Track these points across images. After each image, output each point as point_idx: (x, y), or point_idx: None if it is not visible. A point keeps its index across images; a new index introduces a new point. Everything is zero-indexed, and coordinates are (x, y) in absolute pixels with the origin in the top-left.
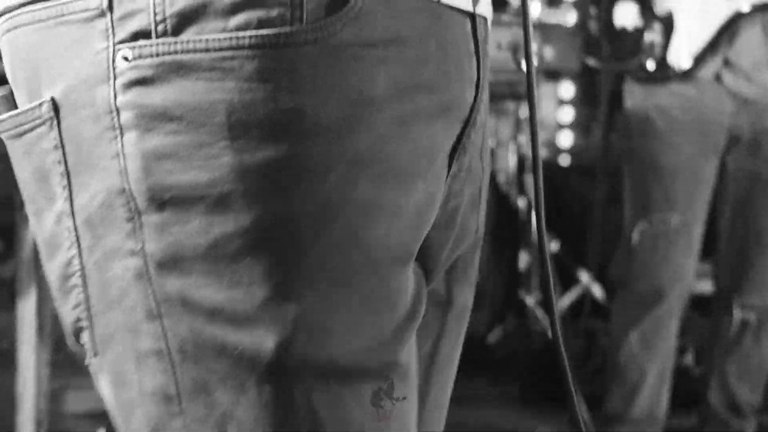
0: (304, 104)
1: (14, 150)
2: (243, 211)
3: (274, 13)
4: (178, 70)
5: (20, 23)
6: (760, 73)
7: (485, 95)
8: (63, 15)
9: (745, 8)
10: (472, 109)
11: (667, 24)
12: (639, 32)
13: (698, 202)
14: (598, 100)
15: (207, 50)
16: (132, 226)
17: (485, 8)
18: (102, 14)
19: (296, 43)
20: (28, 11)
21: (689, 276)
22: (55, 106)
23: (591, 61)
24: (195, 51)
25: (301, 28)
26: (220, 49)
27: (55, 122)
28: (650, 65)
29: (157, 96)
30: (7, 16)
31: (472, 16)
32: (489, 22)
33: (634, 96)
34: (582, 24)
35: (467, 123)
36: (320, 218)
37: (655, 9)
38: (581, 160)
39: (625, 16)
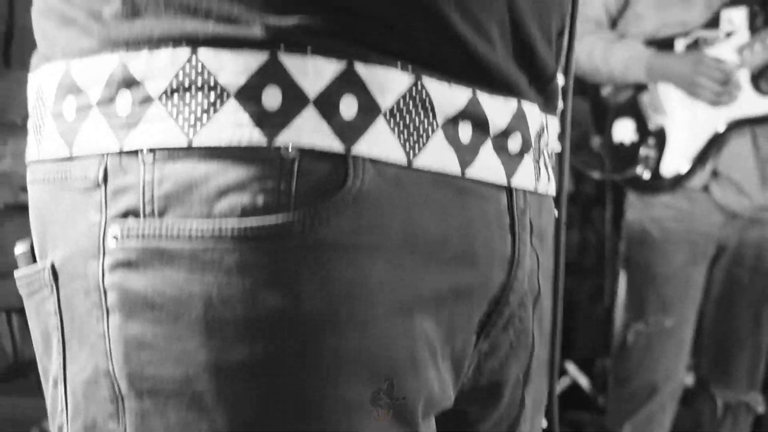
0: (284, 302)
1: (28, 307)
2: (217, 413)
3: (259, 200)
4: (160, 257)
5: (36, 178)
6: (749, 186)
7: (525, 272)
8: (67, 179)
9: (721, 128)
10: (505, 287)
11: (660, 138)
12: (635, 146)
13: (689, 306)
14: (579, 201)
15: (189, 238)
16: (115, 408)
17: (526, 180)
18: (98, 185)
19: (280, 235)
20: (42, 168)
21: (681, 373)
22: (55, 273)
23: (595, 174)
24: (178, 238)
25: (287, 219)
26: (202, 239)
27: (54, 288)
28: (646, 176)
29: (140, 282)
30: (29, 167)
31: (509, 190)
32: (548, 193)
33: (633, 208)
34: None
35: (498, 301)
36: (297, 421)
37: (649, 125)
38: (567, 258)
39: (623, 132)
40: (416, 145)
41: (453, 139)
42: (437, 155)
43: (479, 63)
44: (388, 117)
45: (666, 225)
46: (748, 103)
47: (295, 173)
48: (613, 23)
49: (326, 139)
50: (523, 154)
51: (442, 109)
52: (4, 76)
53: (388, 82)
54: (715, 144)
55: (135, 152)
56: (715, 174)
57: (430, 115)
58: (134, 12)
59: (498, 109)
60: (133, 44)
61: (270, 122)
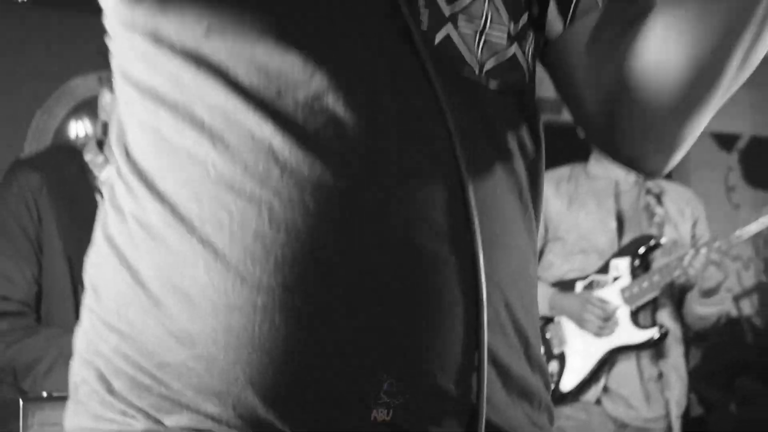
0: None
1: None
2: None
3: None
4: None
5: None
6: (635, 400)
7: None
8: None
9: (607, 354)
10: None
11: (560, 360)
12: None
13: None
14: None
15: None
16: None
17: None
18: None
19: None
20: None
21: None
22: None
23: None
24: None
25: None
26: None
27: None
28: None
29: None
30: None
31: None
32: None
33: None
34: None
35: None
36: None
37: (553, 350)
38: None
39: None
40: None
41: None
42: None
43: None
44: None
45: None
46: (628, 334)
47: None
48: None
49: None
50: None
51: None
52: (37, 332)
53: None
54: (604, 366)
55: None
56: (606, 390)
57: None
58: None
59: None
60: None
61: None
